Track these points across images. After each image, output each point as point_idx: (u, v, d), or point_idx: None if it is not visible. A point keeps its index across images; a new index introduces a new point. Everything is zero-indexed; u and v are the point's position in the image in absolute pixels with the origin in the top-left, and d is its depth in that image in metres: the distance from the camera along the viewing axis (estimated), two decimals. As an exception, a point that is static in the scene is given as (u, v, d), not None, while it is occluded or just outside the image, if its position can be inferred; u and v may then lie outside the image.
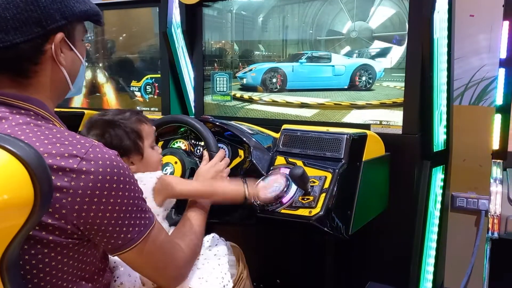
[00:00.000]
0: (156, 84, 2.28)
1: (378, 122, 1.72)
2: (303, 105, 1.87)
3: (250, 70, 2.00)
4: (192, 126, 1.56)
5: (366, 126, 1.72)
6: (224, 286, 1.19)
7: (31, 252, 0.82)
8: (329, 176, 1.36)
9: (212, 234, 1.38)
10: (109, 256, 1.03)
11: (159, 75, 2.27)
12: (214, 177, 1.40)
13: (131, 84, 2.35)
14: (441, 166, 1.87)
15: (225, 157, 1.49)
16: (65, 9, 0.90)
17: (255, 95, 1.98)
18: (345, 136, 1.45)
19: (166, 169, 1.54)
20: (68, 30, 0.92)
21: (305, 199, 1.33)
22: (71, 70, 0.96)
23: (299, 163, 1.45)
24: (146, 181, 1.19)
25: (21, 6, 0.84)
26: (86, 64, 2.29)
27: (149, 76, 2.30)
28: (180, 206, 1.35)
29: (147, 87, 2.31)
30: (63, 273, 0.87)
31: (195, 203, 1.30)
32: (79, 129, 1.95)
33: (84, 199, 0.83)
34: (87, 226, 0.86)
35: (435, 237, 1.87)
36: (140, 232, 0.92)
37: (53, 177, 0.78)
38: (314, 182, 1.36)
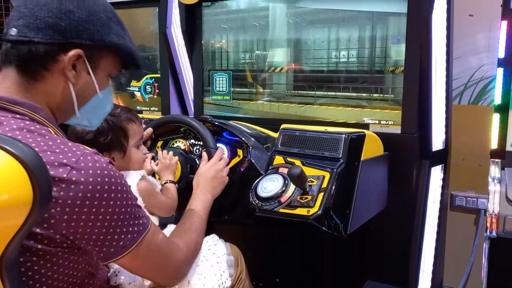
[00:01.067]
0: (156, 84, 2.29)
1: (377, 122, 1.72)
2: (301, 105, 1.87)
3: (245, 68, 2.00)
4: (189, 125, 1.57)
5: (365, 126, 1.72)
6: (222, 283, 1.21)
7: (20, 260, 0.81)
8: (327, 175, 1.37)
9: (212, 235, 1.39)
10: None
11: (158, 75, 2.27)
12: (214, 176, 1.41)
13: (131, 84, 2.36)
14: (440, 165, 1.87)
15: (223, 156, 1.50)
16: (96, 33, 0.91)
17: (253, 95, 1.98)
18: (343, 135, 1.45)
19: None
20: (91, 52, 0.92)
21: (303, 198, 1.33)
22: (81, 93, 0.95)
23: (297, 162, 1.46)
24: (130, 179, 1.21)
25: (54, 12, 0.87)
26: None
27: (148, 76, 2.30)
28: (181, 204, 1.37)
29: (147, 87, 2.31)
30: (53, 281, 0.87)
31: (197, 198, 1.31)
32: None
33: (73, 210, 0.82)
34: (77, 236, 0.85)
35: (434, 236, 1.87)
36: (133, 239, 0.91)
37: None
38: (312, 181, 1.36)
